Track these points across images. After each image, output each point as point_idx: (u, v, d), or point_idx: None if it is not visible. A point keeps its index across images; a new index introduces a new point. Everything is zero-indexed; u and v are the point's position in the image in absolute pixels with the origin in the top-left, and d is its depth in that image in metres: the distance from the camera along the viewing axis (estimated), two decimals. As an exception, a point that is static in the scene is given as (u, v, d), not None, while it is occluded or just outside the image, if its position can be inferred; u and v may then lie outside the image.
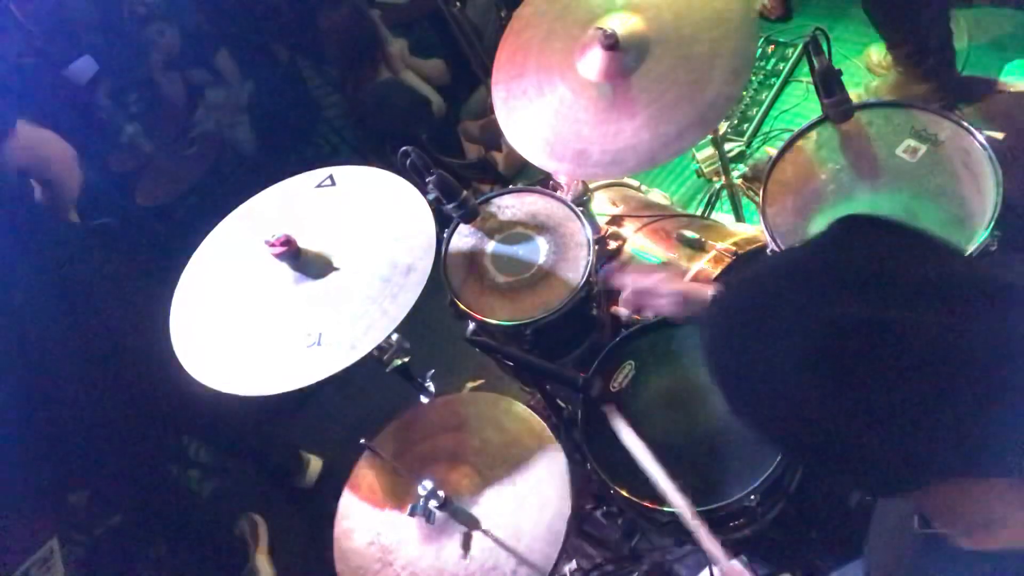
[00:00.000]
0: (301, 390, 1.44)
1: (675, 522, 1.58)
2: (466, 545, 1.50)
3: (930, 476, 0.82)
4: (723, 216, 2.67)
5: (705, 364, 0.92)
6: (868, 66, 2.96)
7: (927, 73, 2.60)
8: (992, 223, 1.46)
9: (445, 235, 1.90)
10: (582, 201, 2.10)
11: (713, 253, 1.94)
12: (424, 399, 1.82)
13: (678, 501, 1.35)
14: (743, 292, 0.92)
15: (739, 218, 2.51)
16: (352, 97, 3.38)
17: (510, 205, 1.94)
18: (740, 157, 2.95)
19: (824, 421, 0.80)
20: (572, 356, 1.91)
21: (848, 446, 0.81)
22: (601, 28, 1.73)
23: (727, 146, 2.73)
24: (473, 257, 1.88)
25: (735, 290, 0.95)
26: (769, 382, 0.83)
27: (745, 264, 0.94)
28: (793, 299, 0.82)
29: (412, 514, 1.50)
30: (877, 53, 2.92)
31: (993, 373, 0.76)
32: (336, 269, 1.56)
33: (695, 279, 1.91)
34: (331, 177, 1.72)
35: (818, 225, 1.61)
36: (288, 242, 1.54)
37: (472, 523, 1.52)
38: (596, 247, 1.82)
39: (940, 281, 0.78)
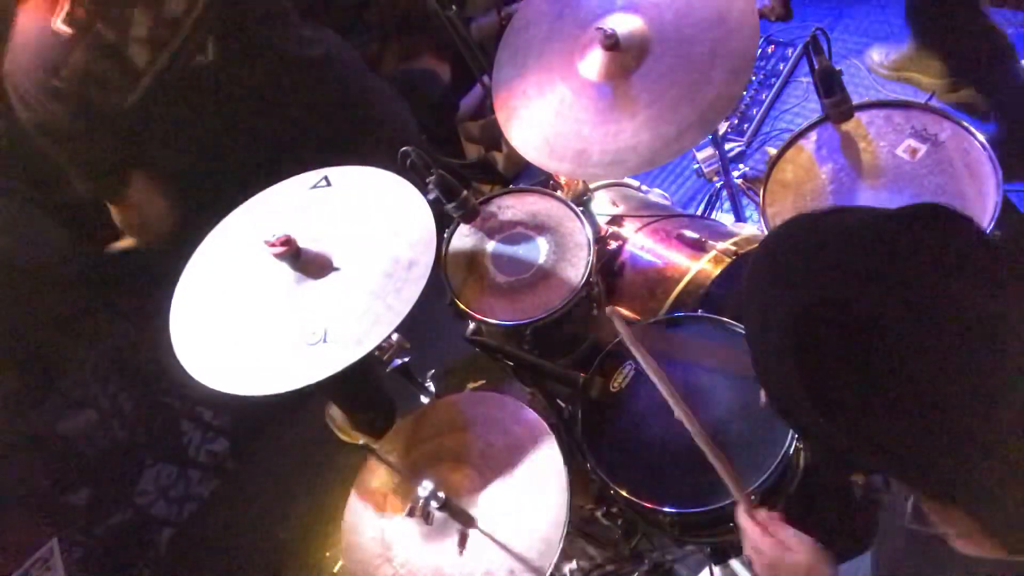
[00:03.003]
0: (301, 390, 1.44)
1: (676, 522, 1.58)
2: (465, 545, 1.50)
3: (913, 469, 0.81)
4: (723, 216, 2.67)
5: (741, 307, 0.92)
6: (870, 67, 2.95)
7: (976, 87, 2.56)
8: (992, 223, 1.46)
9: (445, 235, 1.90)
10: (582, 201, 2.10)
11: (713, 253, 1.94)
12: (424, 399, 1.82)
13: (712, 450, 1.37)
14: (794, 233, 0.91)
15: (739, 218, 2.51)
16: (384, 75, 3.35)
17: (510, 205, 1.94)
18: (740, 157, 2.95)
19: (849, 392, 0.79)
20: (572, 356, 1.91)
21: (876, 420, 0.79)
22: (601, 28, 1.73)
23: (727, 146, 2.73)
24: (473, 257, 1.88)
25: (788, 227, 0.93)
26: (763, 344, 0.85)
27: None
28: (824, 261, 0.81)
29: (411, 515, 1.50)
30: (879, 53, 2.92)
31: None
32: (337, 269, 1.56)
33: (695, 279, 1.91)
34: (326, 178, 1.72)
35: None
36: (288, 242, 1.54)
37: (471, 523, 1.52)
38: (596, 247, 1.82)
39: (976, 310, 0.74)
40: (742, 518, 1.26)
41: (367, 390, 2.71)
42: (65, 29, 1.60)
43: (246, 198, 1.74)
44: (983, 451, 0.74)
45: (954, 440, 0.74)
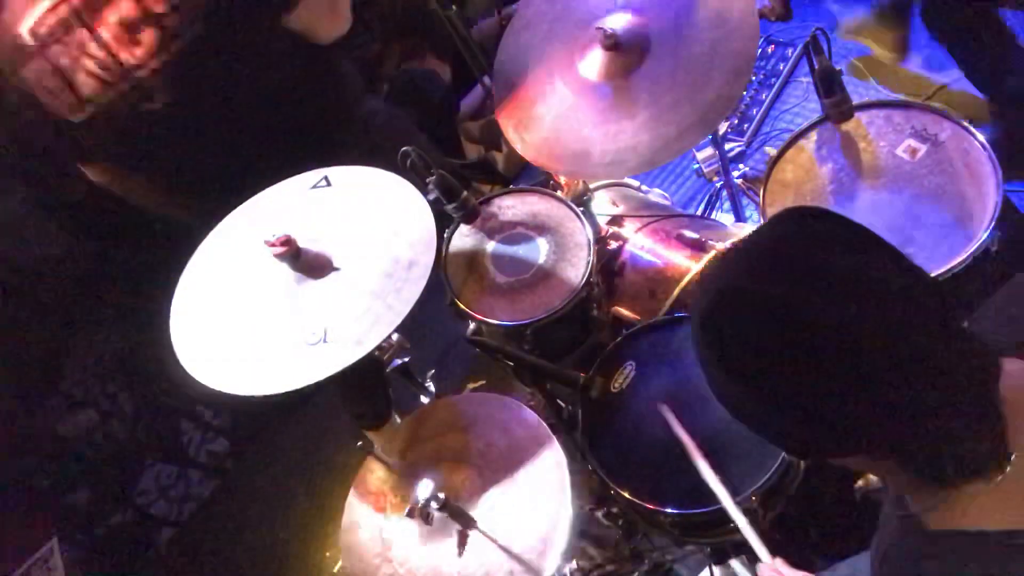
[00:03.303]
0: (301, 390, 1.44)
1: (676, 523, 1.58)
2: (464, 545, 1.50)
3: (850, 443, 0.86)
4: (723, 216, 2.67)
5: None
6: (836, 26, 3.01)
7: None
8: (992, 223, 1.46)
9: (445, 235, 1.90)
10: (582, 201, 2.10)
11: (713, 253, 1.94)
12: (424, 399, 1.82)
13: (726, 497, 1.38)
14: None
15: (739, 218, 2.51)
16: (386, 76, 3.35)
17: (510, 205, 1.94)
18: (740, 157, 2.95)
19: (721, 382, 0.92)
20: (572, 356, 1.91)
21: (743, 405, 0.91)
22: (601, 28, 1.73)
23: (727, 146, 2.73)
24: (473, 257, 1.88)
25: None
26: (693, 342, 0.95)
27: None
28: (713, 273, 0.95)
29: (410, 515, 1.50)
30: (845, 17, 2.96)
31: (875, 363, 0.80)
32: (337, 269, 1.56)
33: (695, 279, 1.91)
34: (326, 178, 1.72)
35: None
36: (288, 242, 1.54)
37: (470, 524, 1.52)
38: (596, 247, 1.81)
39: (847, 272, 0.82)
40: (765, 570, 1.28)
41: (374, 380, 2.71)
42: (28, 40, 1.65)
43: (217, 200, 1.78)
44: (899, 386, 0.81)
45: (868, 386, 0.81)
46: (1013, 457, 0.84)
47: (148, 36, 1.65)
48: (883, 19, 2.84)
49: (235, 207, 1.71)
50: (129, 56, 1.66)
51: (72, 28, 1.65)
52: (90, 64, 1.67)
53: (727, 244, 1.94)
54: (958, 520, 0.86)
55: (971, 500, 0.85)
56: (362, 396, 2.70)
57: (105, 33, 1.65)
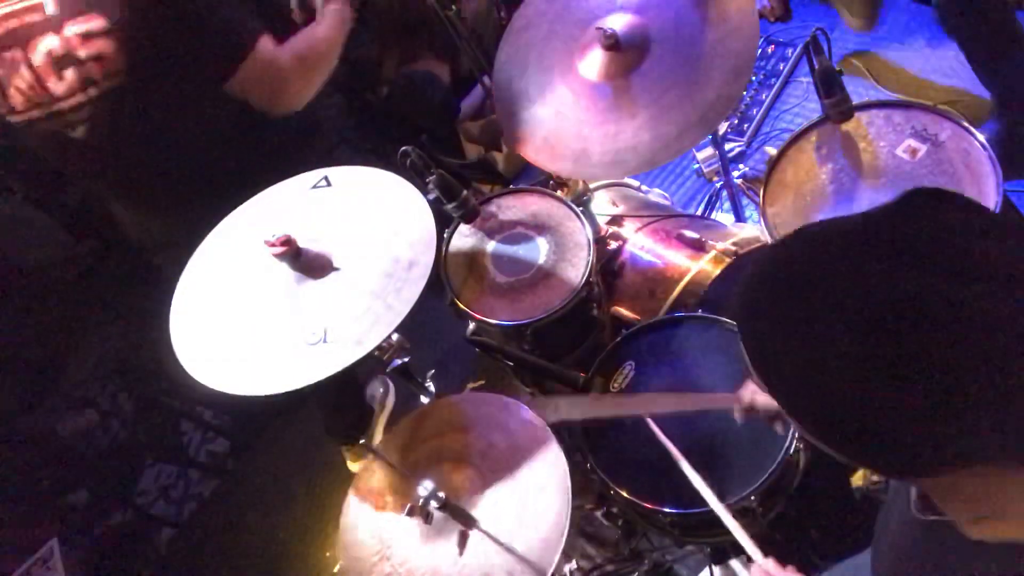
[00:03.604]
0: (301, 390, 1.44)
1: (676, 522, 1.58)
2: (464, 545, 1.50)
3: (955, 460, 0.79)
4: (723, 216, 2.67)
5: (739, 323, 0.90)
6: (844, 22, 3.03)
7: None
8: (992, 223, 1.46)
9: (445, 235, 1.90)
10: (582, 201, 2.10)
11: (713, 253, 1.94)
12: (424, 399, 1.82)
13: (713, 498, 1.38)
14: (799, 252, 0.88)
15: (739, 218, 2.51)
16: (385, 79, 3.35)
17: (510, 205, 1.94)
18: (740, 157, 2.95)
19: (863, 393, 0.78)
20: (572, 356, 1.91)
21: (882, 420, 0.79)
22: (601, 28, 1.73)
23: (727, 146, 2.73)
24: (473, 257, 1.88)
25: (790, 248, 0.90)
26: (810, 350, 0.81)
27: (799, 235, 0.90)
28: (851, 268, 0.80)
29: (410, 514, 1.50)
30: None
31: None
32: (337, 269, 1.56)
33: (695, 279, 1.92)
34: (326, 178, 1.72)
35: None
36: (288, 242, 1.54)
37: (471, 524, 1.52)
38: (596, 247, 1.82)
39: (1001, 260, 0.76)
40: (756, 571, 1.27)
41: (351, 391, 2.72)
42: None
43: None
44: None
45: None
46: None
47: (71, 74, 1.70)
48: None
49: (186, 237, 1.74)
50: (54, 86, 1.71)
51: (10, 46, 1.71)
52: (20, 83, 1.73)
53: (728, 244, 1.95)
54: (1005, 534, 0.84)
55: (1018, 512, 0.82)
56: (335, 409, 2.72)
57: (36, 59, 1.70)
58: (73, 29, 1.66)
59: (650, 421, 1.51)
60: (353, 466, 2.78)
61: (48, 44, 1.69)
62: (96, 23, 1.65)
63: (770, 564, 1.24)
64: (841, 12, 3.15)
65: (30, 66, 1.71)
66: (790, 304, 0.84)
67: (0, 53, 1.71)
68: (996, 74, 2.53)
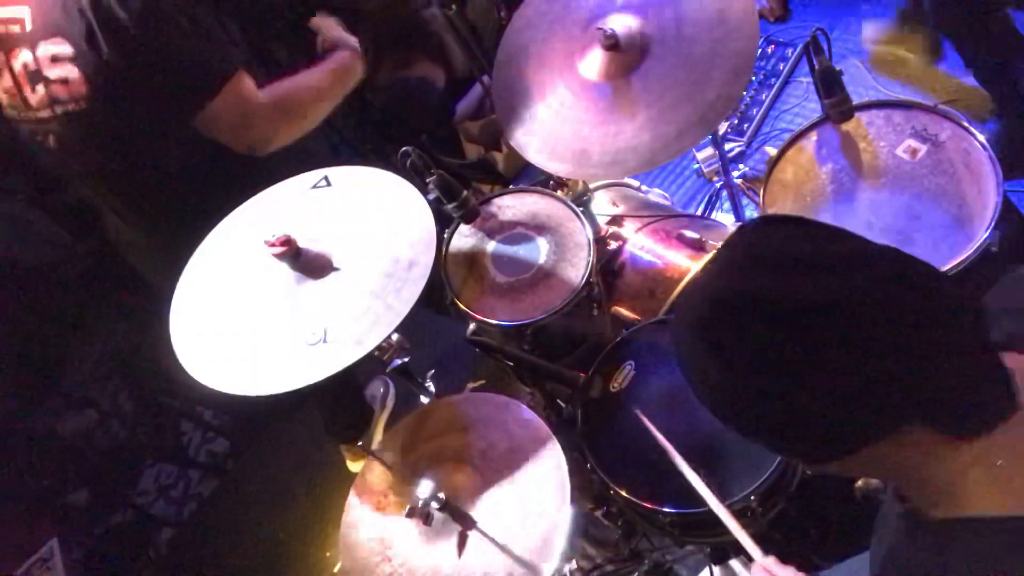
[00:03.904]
0: (301, 390, 1.44)
1: (675, 522, 1.58)
2: (464, 546, 1.50)
3: (838, 442, 0.88)
4: (723, 216, 2.67)
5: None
6: (862, 40, 2.99)
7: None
8: (992, 223, 1.46)
9: (445, 235, 1.90)
10: (582, 201, 2.10)
11: (713, 253, 1.94)
12: (424, 399, 1.82)
13: (712, 498, 1.37)
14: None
15: (739, 218, 2.51)
16: (380, 86, 3.35)
17: (510, 205, 1.94)
18: (740, 157, 2.95)
19: (722, 391, 0.91)
20: (572, 356, 1.91)
21: (748, 413, 0.91)
22: (601, 28, 1.73)
23: (727, 146, 2.73)
24: (473, 257, 1.88)
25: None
26: (684, 360, 0.94)
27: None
28: (697, 282, 0.95)
29: (410, 515, 1.50)
30: (871, 29, 2.95)
31: (867, 344, 0.81)
32: (337, 269, 1.56)
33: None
34: (326, 178, 1.72)
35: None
36: (288, 242, 1.54)
37: (471, 524, 1.52)
38: (596, 247, 1.81)
39: (819, 256, 0.84)
40: (756, 570, 1.28)
41: (351, 392, 2.73)
42: None
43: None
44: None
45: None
46: (1009, 449, 0.85)
47: (41, 90, 1.73)
48: (911, 22, 2.79)
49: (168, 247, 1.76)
50: (29, 96, 1.75)
51: None
52: (6, 83, 1.77)
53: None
54: (961, 508, 0.87)
55: (974, 486, 0.86)
56: (335, 409, 2.72)
57: (16, 67, 1.74)
58: (44, 49, 1.69)
59: (647, 422, 1.50)
60: (353, 466, 2.78)
61: (24, 58, 1.72)
62: (63, 48, 1.67)
63: (771, 561, 1.24)
64: (903, 55, 2.93)
65: (11, 72, 1.74)
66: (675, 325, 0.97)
67: None
68: (993, 77, 2.53)
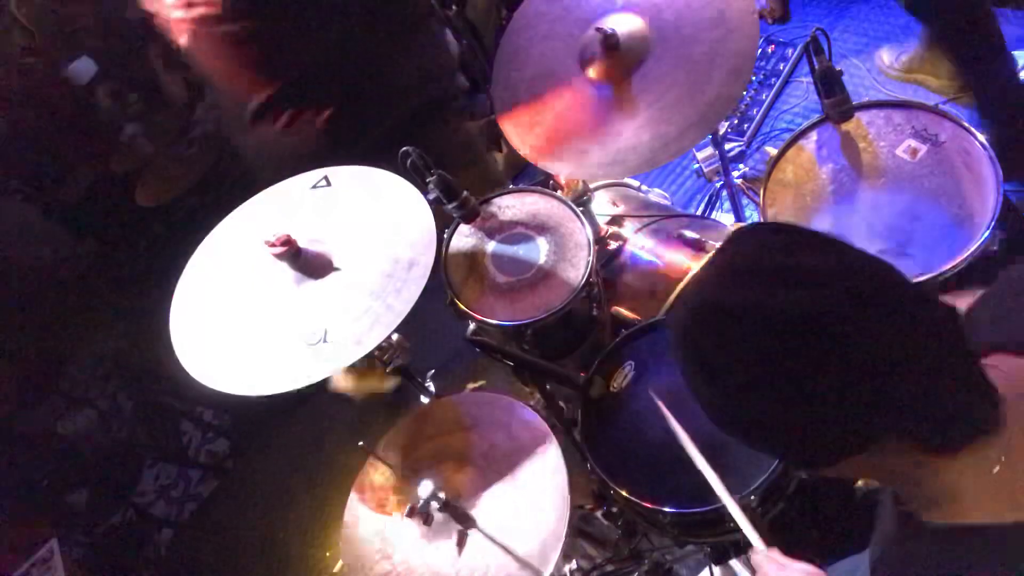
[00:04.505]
0: (301, 390, 1.44)
1: (675, 522, 1.58)
2: (464, 545, 1.50)
3: (829, 449, 0.88)
4: (723, 216, 2.67)
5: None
6: (880, 68, 2.95)
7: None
8: (992, 223, 1.46)
9: (445, 235, 1.90)
10: (582, 201, 2.10)
11: (706, 259, 1.94)
12: (424, 399, 1.82)
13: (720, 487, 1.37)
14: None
15: (739, 218, 2.51)
16: None
17: (510, 205, 1.93)
18: (740, 157, 2.95)
19: (708, 395, 0.93)
20: (572, 356, 1.91)
21: (737, 421, 0.93)
22: (601, 28, 1.73)
23: (727, 146, 2.73)
24: (473, 257, 1.88)
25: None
26: (677, 362, 0.95)
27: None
28: (682, 297, 0.98)
29: (410, 515, 1.51)
30: (889, 55, 2.91)
31: (861, 356, 0.81)
32: (337, 269, 1.56)
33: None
34: (326, 178, 1.72)
35: (818, 225, 1.61)
36: (288, 242, 1.54)
37: (471, 524, 1.52)
38: (596, 247, 1.81)
39: (808, 265, 0.85)
40: (762, 559, 1.28)
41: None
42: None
43: None
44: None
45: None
46: (1005, 456, 0.85)
47: None
48: (935, 48, 2.65)
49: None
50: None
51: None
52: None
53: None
54: (957, 515, 0.87)
55: (968, 494, 0.86)
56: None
57: None
58: None
59: (667, 412, 1.49)
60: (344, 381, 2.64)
61: None
62: None
63: (776, 553, 1.24)
64: (926, 84, 2.78)
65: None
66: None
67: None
68: (978, 79, 2.52)
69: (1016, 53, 2.61)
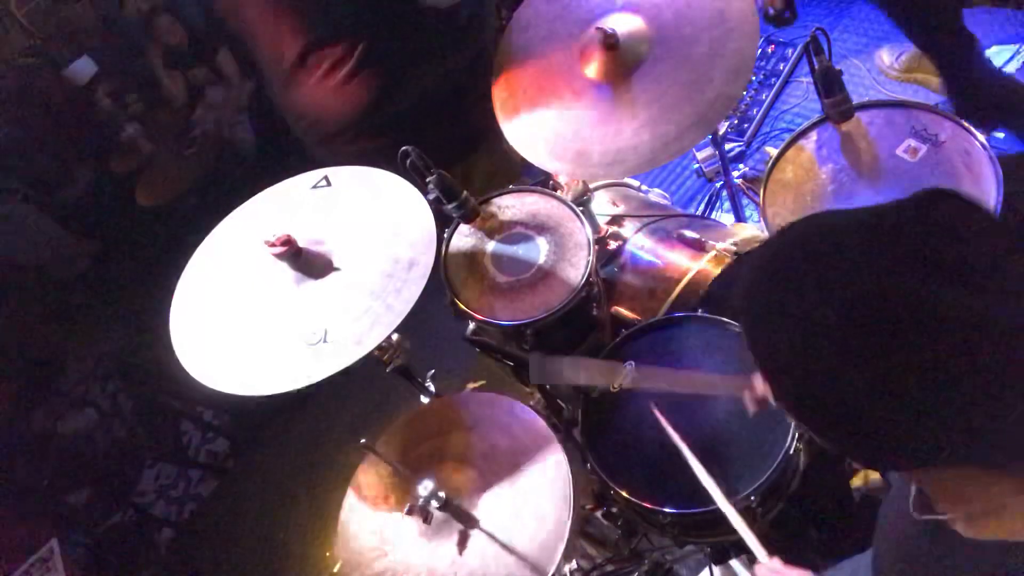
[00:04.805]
0: (301, 390, 1.44)
1: (675, 522, 1.58)
2: (464, 545, 1.50)
3: (941, 456, 0.81)
4: (723, 216, 2.67)
5: (740, 300, 0.90)
6: (880, 68, 2.95)
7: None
8: (992, 223, 1.46)
9: (445, 235, 1.90)
10: (582, 201, 2.10)
11: (713, 253, 1.94)
12: (424, 399, 1.82)
13: (720, 496, 1.37)
14: (808, 233, 0.90)
15: (739, 218, 2.51)
16: None
17: (510, 205, 1.93)
18: (740, 157, 2.96)
19: (848, 384, 0.80)
20: (572, 356, 1.91)
21: (868, 413, 0.81)
22: (601, 28, 1.73)
23: (727, 146, 2.73)
24: (473, 257, 1.88)
25: (800, 228, 0.91)
26: (803, 334, 0.82)
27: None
28: (854, 256, 0.81)
29: (410, 514, 1.51)
30: (889, 55, 2.91)
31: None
32: (337, 269, 1.56)
33: (695, 279, 1.91)
34: (326, 178, 1.72)
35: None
36: (288, 242, 1.54)
37: (472, 523, 1.52)
38: (596, 247, 1.81)
39: (1001, 268, 0.77)
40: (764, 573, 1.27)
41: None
42: None
43: None
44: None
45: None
46: None
47: None
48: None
49: None
50: None
51: None
52: None
53: (728, 244, 1.94)
54: (999, 531, 0.85)
55: (1016, 511, 0.84)
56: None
57: None
58: None
59: (659, 415, 1.50)
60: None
61: None
62: None
63: (776, 563, 1.24)
64: (926, 83, 2.82)
65: None
66: (787, 289, 0.85)
67: None
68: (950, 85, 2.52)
69: (993, 49, 2.63)
